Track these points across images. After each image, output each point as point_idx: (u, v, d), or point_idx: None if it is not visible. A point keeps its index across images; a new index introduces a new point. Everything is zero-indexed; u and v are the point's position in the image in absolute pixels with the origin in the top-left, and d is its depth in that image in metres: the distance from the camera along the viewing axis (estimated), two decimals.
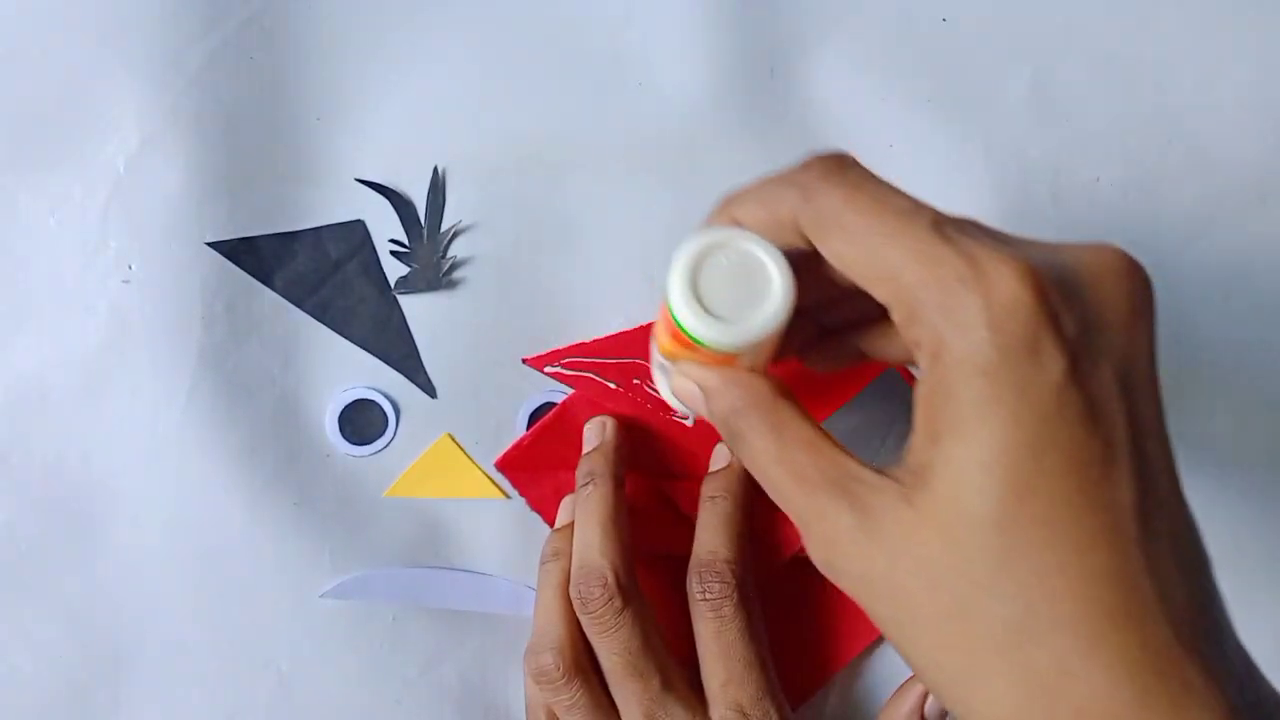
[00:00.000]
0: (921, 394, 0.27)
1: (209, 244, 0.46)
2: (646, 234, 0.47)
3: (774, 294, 0.31)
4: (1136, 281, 0.27)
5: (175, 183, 0.46)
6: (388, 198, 0.47)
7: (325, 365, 0.47)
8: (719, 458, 0.46)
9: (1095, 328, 0.26)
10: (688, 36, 0.48)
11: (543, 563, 0.44)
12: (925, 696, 0.43)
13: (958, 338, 0.26)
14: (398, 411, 0.47)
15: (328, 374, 0.47)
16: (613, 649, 0.41)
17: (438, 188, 0.47)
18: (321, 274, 0.46)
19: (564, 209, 0.47)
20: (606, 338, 0.46)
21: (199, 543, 0.46)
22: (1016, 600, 0.25)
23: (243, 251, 0.46)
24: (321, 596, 0.46)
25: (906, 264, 0.26)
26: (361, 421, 0.47)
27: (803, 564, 0.44)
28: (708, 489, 0.45)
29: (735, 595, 0.41)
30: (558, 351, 0.46)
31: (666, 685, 0.41)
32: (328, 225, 0.47)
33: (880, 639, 0.48)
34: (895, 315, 0.28)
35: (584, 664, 0.42)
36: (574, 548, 0.42)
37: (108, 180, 0.46)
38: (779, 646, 0.47)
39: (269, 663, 0.46)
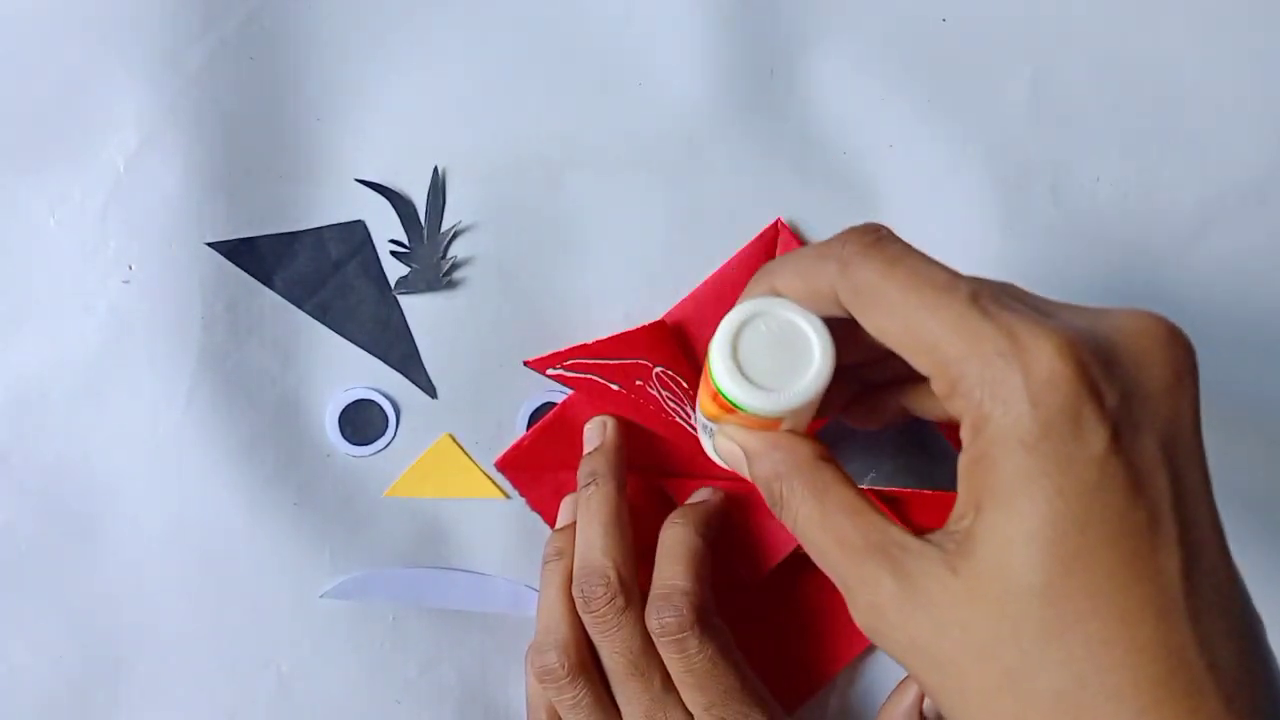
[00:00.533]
0: (965, 464, 0.28)
1: (209, 244, 0.46)
2: (646, 234, 0.47)
3: (814, 361, 0.31)
4: (1178, 349, 0.27)
5: (175, 183, 0.46)
6: (388, 198, 0.47)
7: (326, 365, 0.47)
8: (699, 494, 0.46)
9: (1137, 398, 0.26)
10: (688, 36, 0.48)
11: (545, 562, 0.44)
12: (923, 695, 0.43)
13: (999, 412, 0.26)
14: (398, 412, 0.47)
15: (328, 374, 0.47)
16: (615, 648, 0.41)
17: (438, 188, 0.47)
18: (322, 274, 0.46)
19: (564, 209, 0.47)
20: (607, 339, 0.46)
21: (199, 543, 0.46)
22: (1065, 671, 0.25)
23: (243, 252, 0.46)
24: (322, 596, 0.46)
25: (946, 338, 0.27)
26: (362, 422, 0.47)
27: (799, 567, 0.44)
28: (674, 515, 0.44)
29: (696, 627, 0.40)
30: (559, 354, 0.46)
31: (667, 685, 0.41)
32: (328, 225, 0.47)
33: (871, 648, 0.48)
34: (936, 387, 0.28)
35: (588, 663, 0.42)
36: (576, 547, 0.43)
37: (107, 180, 0.46)
38: (778, 649, 0.47)
39: (269, 662, 0.47)
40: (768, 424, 0.33)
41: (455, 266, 0.47)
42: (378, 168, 0.47)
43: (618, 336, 0.46)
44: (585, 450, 0.46)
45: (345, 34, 0.47)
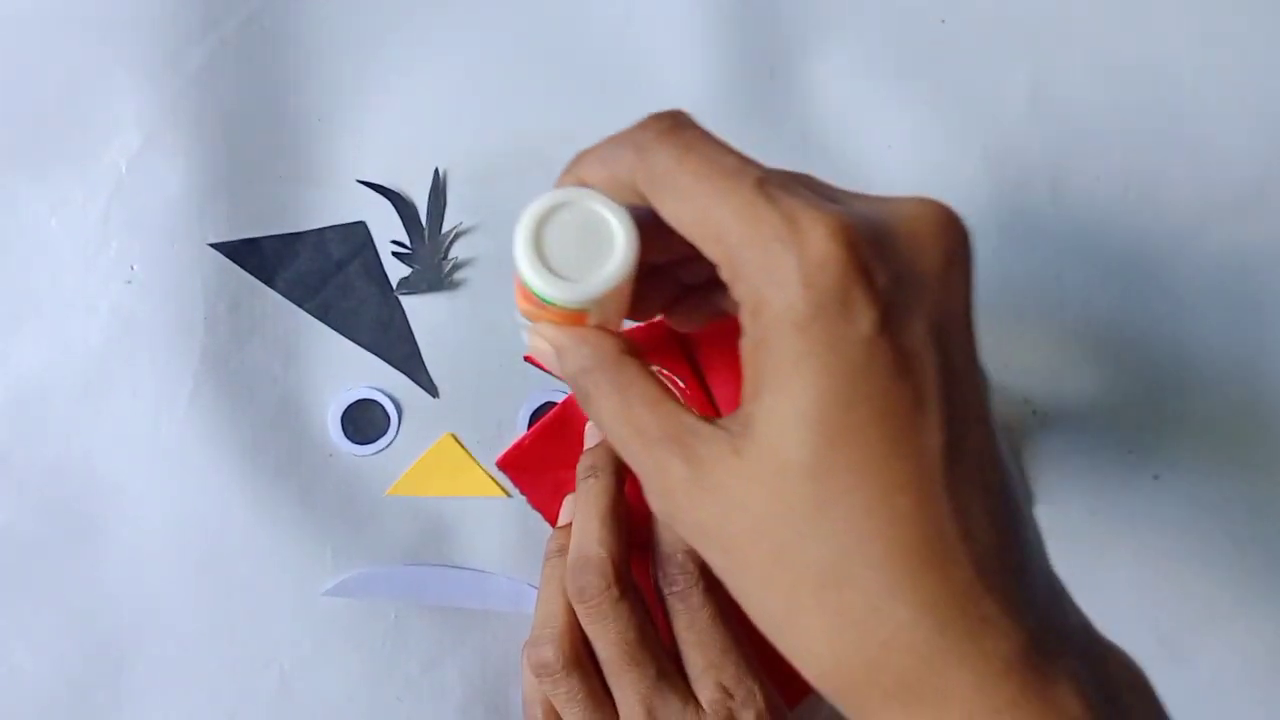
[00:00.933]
0: (746, 349, 0.28)
1: (211, 245, 0.46)
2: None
3: (617, 250, 0.31)
4: (953, 233, 0.28)
5: (176, 183, 0.46)
6: (389, 199, 0.47)
7: (327, 365, 0.47)
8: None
9: (908, 280, 0.27)
10: (688, 37, 0.48)
11: (546, 559, 0.45)
12: None
13: (774, 294, 0.27)
14: (399, 411, 0.47)
15: (330, 374, 0.47)
16: (610, 639, 0.41)
17: (439, 189, 0.47)
18: (324, 275, 0.46)
19: None
20: None
21: (201, 542, 0.46)
22: (830, 543, 0.27)
23: (245, 253, 0.46)
24: (324, 595, 0.47)
25: (731, 224, 0.27)
26: (363, 421, 0.47)
27: None
28: None
29: (700, 584, 0.42)
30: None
31: (662, 674, 0.41)
32: (330, 226, 0.47)
33: None
34: (723, 274, 0.28)
35: (583, 657, 0.42)
36: (572, 538, 0.43)
37: (109, 181, 0.46)
38: (774, 647, 0.47)
39: (270, 661, 0.47)
40: (576, 318, 0.32)
41: (456, 267, 0.47)
42: (379, 168, 0.47)
43: None
44: (586, 446, 0.46)
45: (346, 34, 0.47)
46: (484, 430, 0.47)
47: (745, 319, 0.28)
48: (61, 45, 0.46)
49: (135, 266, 0.46)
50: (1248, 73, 0.49)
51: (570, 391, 0.47)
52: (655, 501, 0.30)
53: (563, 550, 0.44)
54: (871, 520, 0.26)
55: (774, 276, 0.27)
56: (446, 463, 0.47)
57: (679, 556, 0.42)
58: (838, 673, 0.28)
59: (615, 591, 0.41)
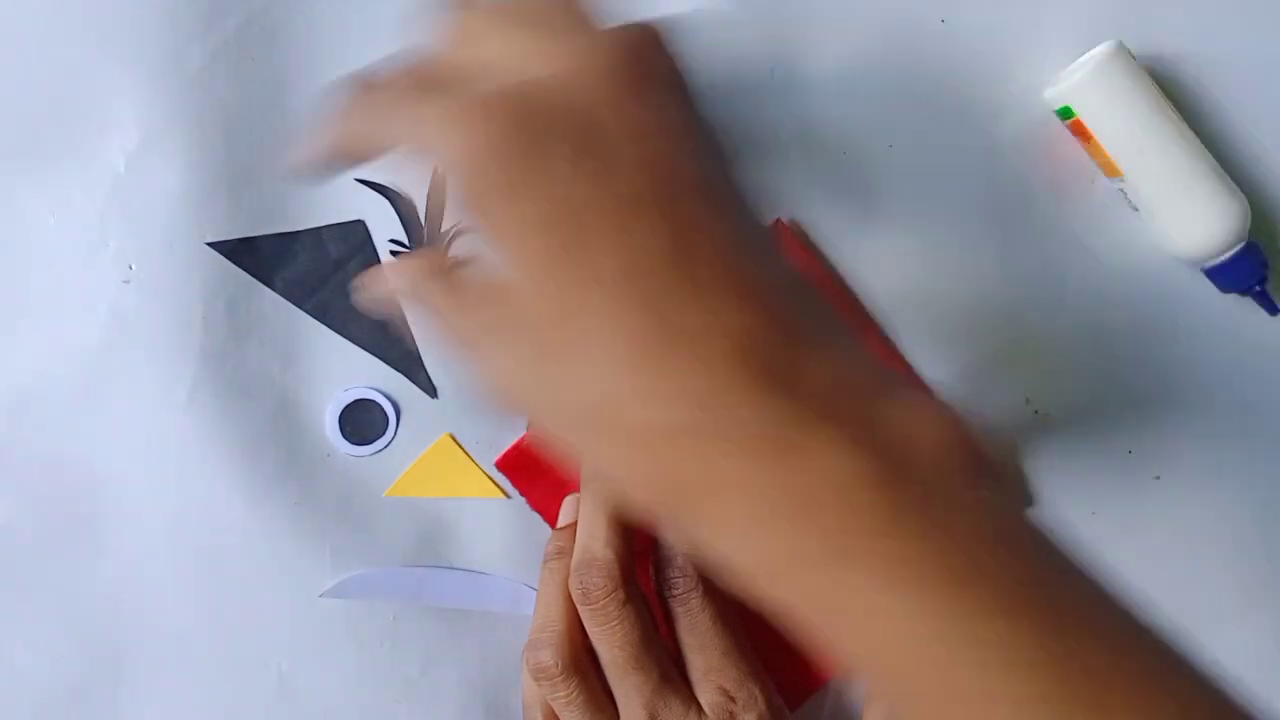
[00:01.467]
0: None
1: (209, 244, 0.46)
2: None
3: None
4: (629, 41, 0.31)
5: (175, 182, 0.46)
6: (388, 198, 0.47)
7: (326, 365, 0.47)
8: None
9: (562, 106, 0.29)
10: (689, 37, 0.48)
11: (546, 560, 0.45)
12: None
13: (461, 183, 0.29)
14: (398, 411, 0.47)
15: (328, 374, 0.47)
16: (614, 642, 0.41)
17: (438, 188, 0.47)
18: (322, 274, 0.46)
19: None
20: None
21: (199, 542, 0.46)
22: (582, 356, 0.29)
23: (243, 252, 0.46)
24: (322, 596, 0.47)
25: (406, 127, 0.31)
26: (362, 421, 0.47)
27: None
28: None
29: (700, 587, 0.42)
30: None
31: (665, 678, 0.41)
32: (328, 225, 0.47)
33: None
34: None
35: (582, 661, 0.42)
36: (578, 539, 0.43)
37: (107, 180, 0.46)
38: (775, 650, 0.47)
39: (269, 662, 0.47)
40: None
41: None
42: (378, 167, 0.47)
43: None
44: None
45: (345, 34, 0.47)
46: (483, 430, 0.47)
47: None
48: (61, 45, 0.46)
49: (133, 266, 0.46)
50: (1249, 71, 0.48)
51: None
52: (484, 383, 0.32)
53: (562, 552, 0.44)
54: (606, 345, 0.28)
55: (463, 180, 0.29)
56: (445, 463, 0.47)
57: (679, 560, 0.42)
58: (629, 479, 0.29)
59: (621, 594, 0.41)
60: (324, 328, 0.47)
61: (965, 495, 0.28)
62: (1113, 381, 0.49)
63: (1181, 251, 0.47)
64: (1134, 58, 0.46)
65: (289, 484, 0.47)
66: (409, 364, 0.47)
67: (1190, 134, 0.46)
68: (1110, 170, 0.47)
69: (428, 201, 0.47)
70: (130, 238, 0.46)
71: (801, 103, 0.48)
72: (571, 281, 0.28)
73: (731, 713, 0.41)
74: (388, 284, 0.36)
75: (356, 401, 0.47)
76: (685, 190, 0.29)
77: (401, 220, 0.47)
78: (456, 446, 0.47)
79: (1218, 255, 0.47)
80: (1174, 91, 0.47)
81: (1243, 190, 0.47)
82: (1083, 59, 0.47)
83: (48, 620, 0.46)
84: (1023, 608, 0.27)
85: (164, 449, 0.46)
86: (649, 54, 0.31)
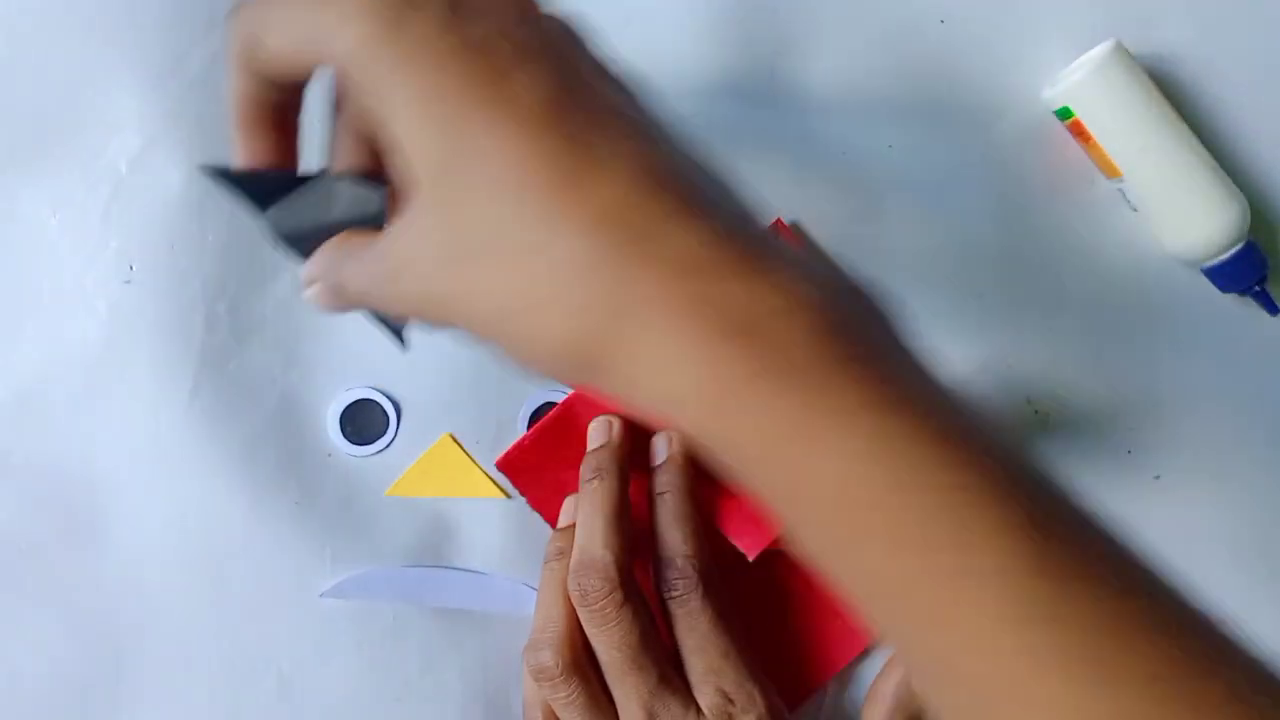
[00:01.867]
0: (357, 112, 0.31)
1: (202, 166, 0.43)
2: None
3: None
4: None
5: (176, 183, 0.46)
6: None
7: (327, 365, 0.47)
8: (659, 450, 0.46)
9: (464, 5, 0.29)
10: (688, 38, 0.48)
11: (546, 561, 0.45)
12: (904, 679, 0.44)
13: (348, 47, 0.28)
14: (399, 411, 0.47)
15: (329, 374, 0.47)
16: (612, 643, 0.41)
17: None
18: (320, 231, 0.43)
19: None
20: None
21: (200, 542, 0.47)
22: (488, 215, 0.28)
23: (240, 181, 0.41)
24: (322, 596, 0.47)
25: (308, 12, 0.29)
26: (362, 421, 0.47)
27: (794, 569, 0.44)
28: (655, 485, 0.45)
29: (700, 588, 0.42)
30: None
31: (663, 679, 0.41)
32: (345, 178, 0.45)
33: (870, 648, 0.49)
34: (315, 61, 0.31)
35: (582, 662, 0.42)
36: (576, 540, 0.43)
37: (110, 181, 0.46)
38: (775, 651, 0.47)
39: (270, 662, 0.47)
40: None
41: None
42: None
43: None
44: (590, 447, 0.46)
45: None
46: (484, 431, 0.47)
47: (354, 99, 0.31)
48: (63, 46, 0.46)
49: (135, 266, 0.46)
50: (1250, 71, 0.48)
51: (570, 393, 0.47)
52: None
53: (562, 554, 0.44)
54: (509, 174, 0.27)
55: (349, 25, 0.28)
56: (446, 463, 0.47)
57: (679, 561, 0.43)
58: (555, 337, 0.28)
59: (619, 595, 0.41)
60: (325, 328, 0.47)
61: (899, 340, 0.29)
62: (1113, 381, 0.49)
63: (1181, 251, 0.47)
64: (1133, 58, 0.46)
65: (289, 484, 0.47)
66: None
67: (1189, 134, 0.46)
68: (1109, 170, 0.47)
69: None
70: (132, 238, 0.46)
71: (801, 103, 0.48)
72: (463, 122, 0.28)
73: (730, 714, 0.41)
74: (308, 286, 0.35)
75: (357, 401, 0.47)
76: (572, 53, 0.30)
77: None
78: (457, 446, 0.48)
79: (1217, 255, 0.47)
80: (1173, 92, 0.48)
81: (1241, 190, 0.47)
82: (1081, 59, 0.47)
83: (48, 620, 0.47)
84: (954, 435, 0.27)
85: (165, 448, 0.46)
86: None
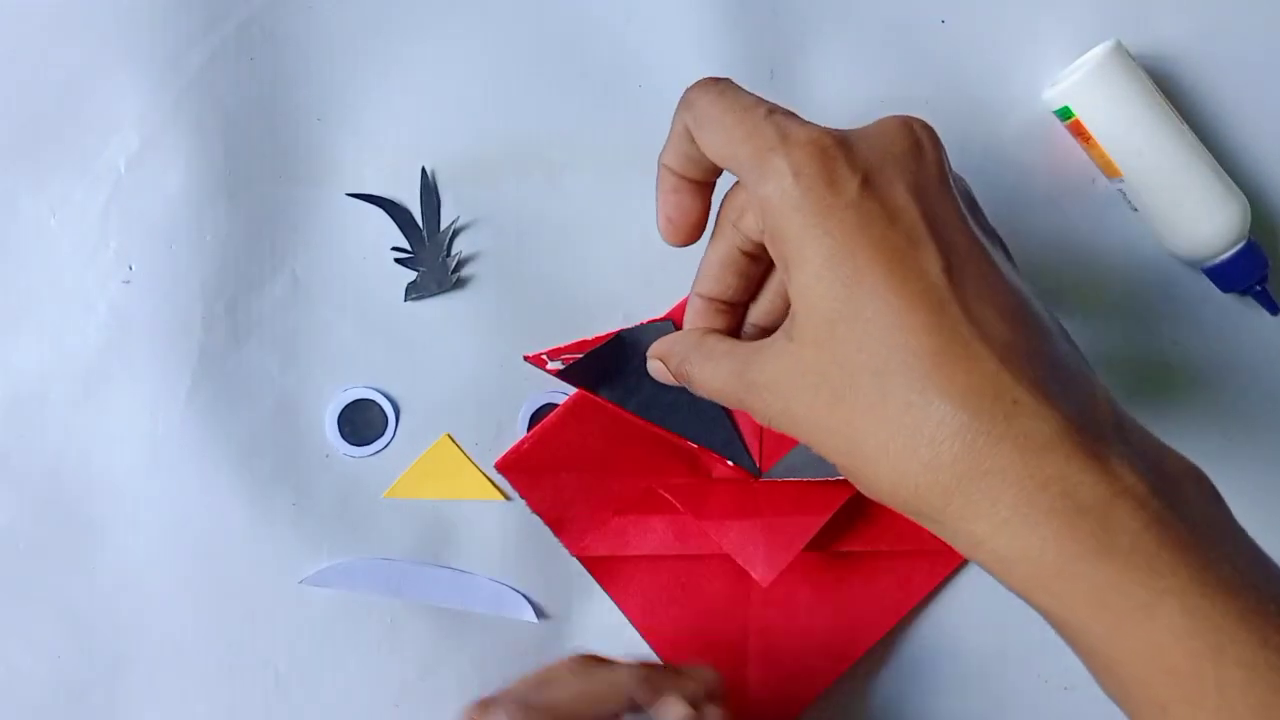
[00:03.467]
0: (769, 247, 0.35)
1: (525, 359, 0.46)
2: (646, 234, 0.47)
3: None
4: (915, 126, 0.34)
5: (176, 183, 0.47)
6: (381, 207, 0.47)
7: (325, 365, 0.47)
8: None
9: (883, 160, 0.33)
10: (687, 39, 0.48)
11: None
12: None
13: (772, 190, 0.33)
14: (397, 412, 0.47)
15: (328, 374, 0.47)
16: None
17: (430, 188, 0.47)
18: (640, 372, 0.45)
19: (565, 210, 0.48)
20: (607, 335, 0.46)
21: (198, 543, 0.47)
22: (869, 367, 0.32)
23: (572, 374, 0.46)
24: (301, 583, 0.47)
25: (741, 143, 0.34)
26: (361, 422, 0.47)
27: (795, 582, 0.44)
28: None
29: None
30: (558, 349, 0.46)
31: None
32: (638, 325, 0.47)
33: (870, 651, 0.49)
34: (745, 187, 0.35)
35: None
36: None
37: (108, 181, 0.47)
38: (775, 657, 0.47)
39: (266, 662, 0.47)
40: None
41: (462, 263, 0.47)
42: (379, 168, 0.47)
43: (617, 333, 0.46)
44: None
45: (345, 35, 0.48)
46: (483, 432, 0.48)
47: (756, 220, 0.35)
48: (61, 45, 0.47)
49: (134, 266, 0.46)
50: (1251, 71, 0.49)
51: (571, 394, 0.47)
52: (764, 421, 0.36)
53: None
54: (895, 337, 0.31)
55: (769, 176, 0.33)
56: (444, 464, 0.47)
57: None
58: (903, 483, 0.32)
59: None
60: (324, 328, 0.47)
61: (1234, 529, 0.32)
62: (1112, 381, 0.48)
63: (1181, 251, 0.47)
64: (1132, 58, 0.46)
65: (287, 484, 0.47)
66: (732, 446, 0.47)
67: (1189, 134, 0.46)
68: (1110, 170, 0.47)
69: (421, 203, 0.47)
70: (131, 238, 0.47)
71: (801, 104, 0.48)
72: (867, 283, 0.32)
73: None
74: (658, 361, 0.41)
75: (355, 401, 0.47)
76: (969, 222, 0.34)
77: (400, 227, 0.47)
78: (455, 447, 0.48)
79: (1217, 255, 0.47)
80: (1173, 91, 0.48)
81: (1242, 190, 0.47)
82: (1081, 59, 0.47)
83: (47, 620, 0.47)
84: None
85: (163, 449, 0.47)
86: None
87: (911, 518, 0.33)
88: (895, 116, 0.35)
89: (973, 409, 0.31)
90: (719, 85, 0.37)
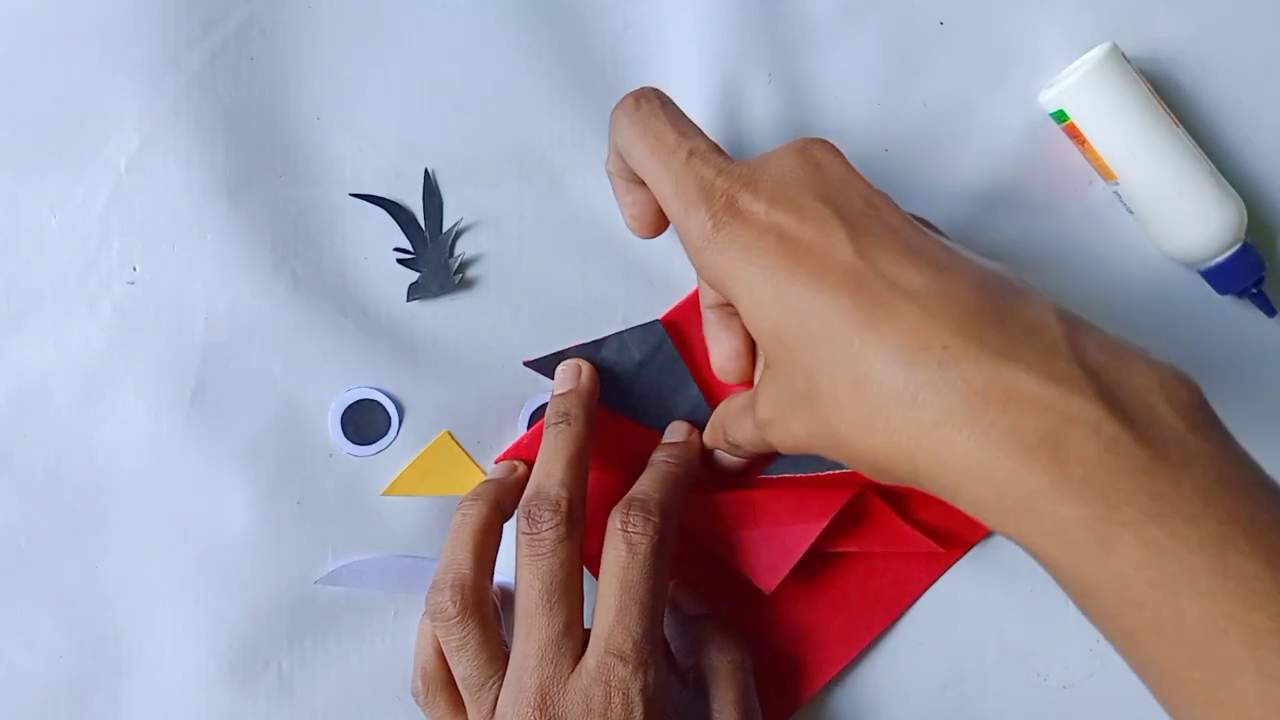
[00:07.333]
0: (714, 289, 0.37)
1: (527, 363, 0.47)
2: None
3: None
4: (813, 148, 0.37)
5: (177, 183, 0.47)
6: (384, 208, 0.47)
7: (328, 365, 0.47)
8: (676, 431, 0.48)
9: (783, 180, 0.36)
10: (685, 41, 0.49)
11: (460, 505, 0.45)
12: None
13: (699, 241, 0.36)
14: (400, 411, 0.47)
15: (330, 374, 0.47)
16: (537, 574, 0.42)
17: (432, 190, 0.47)
18: (630, 375, 0.48)
19: (565, 211, 0.48)
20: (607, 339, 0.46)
21: (200, 542, 0.48)
22: (818, 363, 0.34)
23: (555, 363, 0.47)
24: (316, 583, 0.48)
25: (668, 195, 0.38)
26: (364, 421, 0.47)
27: (791, 578, 0.45)
28: (663, 452, 0.46)
29: (655, 537, 0.42)
30: (559, 355, 0.46)
31: (569, 630, 0.42)
32: (628, 329, 0.48)
33: (869, 648, 0.50)
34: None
35: (482, 606, 0.43)
36: (533, 477, 0.44)
37: (109, 181, 0.47)
38: (771, 656, 0.47)
39: (270, 661, 0.47)
40: None
41: (465, 265, 0.47)
42: (379, 168, 0.48)
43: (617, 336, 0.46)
44: (557, 391, 0.46)
45: (345, 35, 0.48)
46: (484, 430, 0.48)
47: (698, 269, 0.38)
48: (62, 46, 0.47)
49: (137, 267, 0.47)
50: (1252, 72, 0.49)
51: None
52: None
53: (478, 498, 0.45)
54: (829, 326, 0.33)
55: (694, 229, 0.36)
56: (444, 461, 0.48)
57: (651, 505, 0.43)
58: (879, 457, 0.33)
59: (563, 530, 0.42)
60: (326, 327, 0.48)
61: (1203, 447, 0.31)
62: None
63: (1178, 254, 0.48)
64: (1128, 61, 0.47)
65: (291, 483, 0.47)
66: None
67: (1185, 136, 0.47)
68: (1106, 173, 0.47)
69: (423, 204, 0.47)
70: (133, 238, 0.47)
71: (798, 106, 0.49)
72: (788, 292, 0.34)
73: (621, 677, 0.40)
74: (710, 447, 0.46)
75: (359, 401, 0.47)
76: (869, 205, 0.36)
77: (402, 227, 0.47)
78: (455, 444, 0.48)
79: (1214, 257, 0.47)
80: (1168, 94, 0.48)
81: (1238, 191, 0.48)
82: (1077, 62, 0.48)
83: (48, 620, 0.48)
84: (1266, 547, 0.29)
85: (167, 448, 0.48)
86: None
87: (910, 487, 0.34)
88: (794, 142, 0.38)
89: (907, 363, 0.32)
90: (641, 114, 0.39)
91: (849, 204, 0.35)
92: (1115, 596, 0.30)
